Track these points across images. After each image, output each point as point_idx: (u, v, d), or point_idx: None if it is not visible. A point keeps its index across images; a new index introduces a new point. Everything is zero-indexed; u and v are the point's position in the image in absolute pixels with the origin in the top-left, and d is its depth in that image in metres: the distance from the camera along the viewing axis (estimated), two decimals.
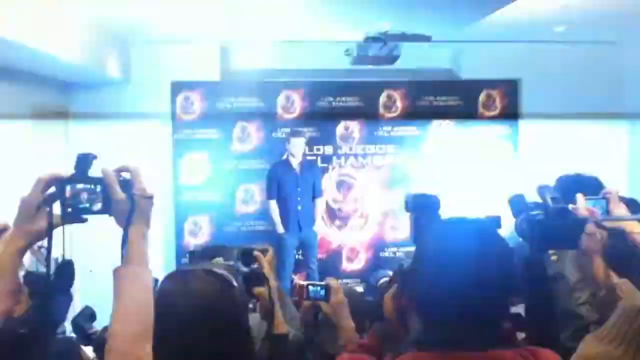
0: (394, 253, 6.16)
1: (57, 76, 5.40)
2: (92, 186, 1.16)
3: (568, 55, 6.43)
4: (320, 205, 5.96)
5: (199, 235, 6.05)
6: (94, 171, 1.18)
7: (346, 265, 6.27)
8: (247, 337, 1.35)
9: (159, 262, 5.49)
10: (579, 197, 1.44)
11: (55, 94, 5.70)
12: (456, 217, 1.24)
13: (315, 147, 6.17)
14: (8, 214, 1.22)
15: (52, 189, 1.16)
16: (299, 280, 1.97)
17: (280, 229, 5.67)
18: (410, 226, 1.79)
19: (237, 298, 1.31)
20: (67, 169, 1.18)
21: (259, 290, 1.88)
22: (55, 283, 1.29)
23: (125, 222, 1.14)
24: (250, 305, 1.83)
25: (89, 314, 1.88)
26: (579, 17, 5.23)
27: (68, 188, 1.15)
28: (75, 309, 1.97)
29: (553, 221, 1.31)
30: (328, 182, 6.23)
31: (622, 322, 1.13)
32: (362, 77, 6.25)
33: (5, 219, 1.27)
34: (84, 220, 1.19)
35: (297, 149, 5.69)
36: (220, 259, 1.90)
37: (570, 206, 1.34)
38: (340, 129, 6.25)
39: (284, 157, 5.83)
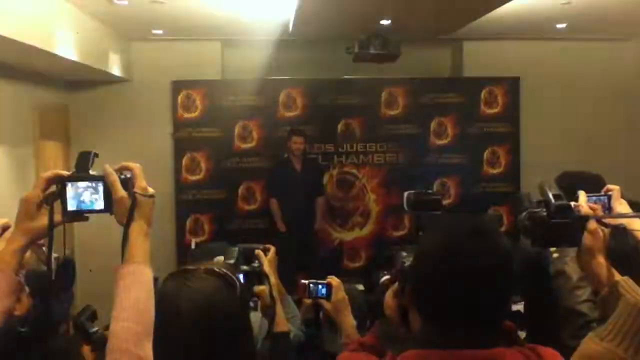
0: (395, 251, 6.16)
1: (58, 74, 5.41)
2: (93, 184, 1.16)
3: (569, 52, 6.42)
4: (321, 203, 5.96)
5: (200, 234, 6.05)
6: (95, 169, 1.18)
7: (347, 263, 6.28)
8: (248, 337, 1.35)
9: (160, 261, 5.48)
10: (581, 193, 1.43)
11: (56, 92, 5.70)
12: (457, 215, 1.24)
13: (316, 145, 6.17)
14: (10, 213, 1.22)
15: (53, 187, 1.16)
16: (299, 278, 1.98)
17: (281, 227, 5.67)
18: (411, 224, 1.78)
19: (238, 298, 1.30)
20: (68, 168, 1.18)
21: (259, 288, 1.88)
22: (56, 282, 1.29)
23: (126, 221, 1.14)
24: (251, 304, 1.83)
25: (89, 313, 1.88)
26: (580, 14, 5.21)
27: (69, 186, 1.15)
28: (76, 307, 1.98)
29: (555, 218, 1.30)
30: (329, 180, 6.24)
31: (624, 320, 1.13)
32: (363, 75, 6.25)
33: (7, 218, 1.27)
34: (85, 219, 1.19)
35: (297, 147, 5.69)
36: (221, 258, 1.90)
37: (573, 203, 1.34)
38: (341, 126, 6.25)
39: (285, 156, 5.83)
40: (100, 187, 1.15)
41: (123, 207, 1.14)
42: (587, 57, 6.44)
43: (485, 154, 6.41)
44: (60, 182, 1.15)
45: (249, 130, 6.13)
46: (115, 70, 5.56)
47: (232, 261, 1.88)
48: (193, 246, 5.52)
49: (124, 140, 5.81)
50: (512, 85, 6.40)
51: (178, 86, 6.04)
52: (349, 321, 1.91)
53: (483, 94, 6.38)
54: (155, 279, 1.16)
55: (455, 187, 6.37)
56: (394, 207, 6.09)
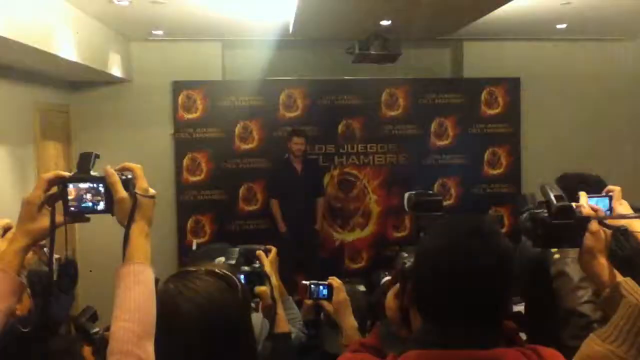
0: (396, 252, 6.15)
1: (58, 75, 5.41)
2: (95, 185, 1.16)
3: (570, 53, 6.43)
4: (321, 204, 5.96)
5: (201, 234, 6.05)
6: (96, 170, 1.19)
7: (348, 264, 6.27)
8: (250, 338, 1.35)
9: (161, 261, 5.48)
10: (582, 194, 1.43)
11: (57, 93, 5.70)
12: (458, 215, 1.24)
13: (317, 146, 6.17)
14: (11, 214, 1.23)
15: (55, 188, 1.16)
16: (300, 279, 1.98)
17: (282, 227, 5.67)
18: (412, 225, 1.78)
19: (240, 299, 1.30)
20: (69, 168, 1.18)
21: (260, 289, 1.88)
22: (58, 283, 1.29)
23: (127, 221, 1.14)
24: (252, 305, 1.83)
25: (90, 314, 1.88)
26: (580, 14, 5.22)
27: (70, 187, 1.15)
28: (77, 308, 1.98)
29: (556, 219, 1.30)
30: (330, 181, 6.24)
31: (626, 321, 1.13)
32: (364, 76, 6.25)
33: (9, 218, 1.28)
34: (87, 220, 1.19)
35: (298, 148, 5.69)
36: (222, 259, 1.90)
37: (574, 204, 1.34)
38: (341, 127, 6.25)
39: (285, 156, 5.82)
40: (101, 188, 1.16)
41: (124, 208, 1.14)
42: (587, 57, 6.44)
43: (486, 155, 6.41)
44: (62, 183, 1.15)
45: (249, 130, 6.13)
46: (116, 70, 5.57)
47: (232, 262, 1.88)
48: (194, 247, 5.52)
49: (124, 140, 5.81)
50: (512, 86, 6.40)
51: (178, 87, 6.05)
52: (350, 322, 1.91)
53: (483, 94, 6.38)
54: (156, 280, 1.16)
55: (456, 187, 6.37)
56: (395, 208, 6.09)
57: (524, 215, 1.34)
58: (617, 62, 6.46)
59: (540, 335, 1.98)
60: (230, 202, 6.09)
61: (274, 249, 2.04)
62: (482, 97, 6.37)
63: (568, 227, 1.31)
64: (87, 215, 1.18)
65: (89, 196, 1.16)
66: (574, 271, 1.84)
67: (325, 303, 1.95)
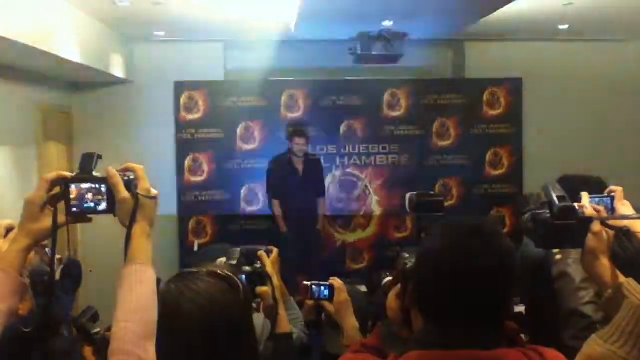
0: (397, 252, 6.15)
1: (60, 75, 5.42)
2: (97, 186, 1.16)
3: (572, 53, 6.42)
4: (323, 204, 5.96)
5: (203, 235, 6.06)
6: (98, 171, 1.19)
7: (349, 265, 6.27)
8: (251, 339, 1.35)
9: (163, 262, 5.49)
10: (584, 195, 1.43)
11: (59, 94, 5.71)
12: (459, 216, 1.24)
13: (318, 146, 6.17)
14: (13, 214, 1.23)
15: (57, 189, 1.16)
16: (301, 280, 1.98)
17: (283, 228, 5.67)
18: (413, 225, 1.78)
19: (241, 300, 1.30)
20: (71, 169, 1.18)
21: (262, 289, 1.88)
22: (60, 283, 1.29)
23: (129, 222, 1.14)
24: (254, 305, 1.83)
25: (91, 314, 1.88)
26: (582, 15, 5.21)
27: (73, 187, 1.15)
28: (78, 308, 1.98)
29: (558, 220, 1.30)
30: (332, 181, 6.23)
31: (628, 322, 1.12)
32: (366, 76, 6.25)
33: (11, 219, 1.28)
34: (89, 220, 1.19)
35: (299, 148, 5.69)
36: (223, 259, 1.90)
37: (577, 205, 1.34)
38: (343, 128, 6.25)
39: (285, 153, 5.81)
40: (104, 189, 1.16)
41: (126, 209, 1.15)
42: (589, 57, 6.43)
43: (488, 155, 6.40)
44: (64, 184, 1.16)
45: (251, 131, 6.14)
46: (118, 71, 5.57)
47: (234, 262, 1.88)
48: (196, 248, 5.52)
49: (126, 141, 5.82)
50: (514, 86, 6.39)
51: (180, 87, 6.05)
52: (351, 323, 1.91)
53: (485, 95, 6.37)
54: (158, 280, 1.17)
55: (458, 188, 6.36)
56: (396, 209, 6.08)
57: (526, 215, 1.34)
58: (619, 63, 6.45)
59: (541, 335, 1.97)
60: (231, 203, 6.09)
61: (275, 250, 2.03)
62: (484, 98, 6.37)
63: (570, 228, 1.31)
64: (89, 216, 1.18)
65: (91, 196, 1.16)
66: (576, 272, 1.83)
67: (326, 304, 1.94)
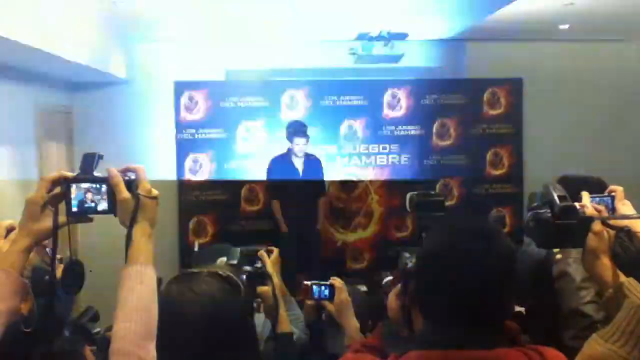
0: (398, 252, 6.15)
1: (61, 76, 5.42)
2: (98, 186, 1.16)
3: (572, 53, 6.42)
4: (323, 204, 5.96)
5: (203, 235, 6.06)
6: (99, 171, 1.19)
7: (350, 265, 6.27)
8: (252, 339, 1.35)
9: (163, 262, 5.49)
10: (585, 194, 1.43)
11: (59, 94, 5.72)
12: (460, 216, 1.24)
13: (319, 146, 6.17)
14: (14, 214, 1.23)
15: (58, 189, 1.16)
16: (302, 280, 1.99)
17: (283, 228, 5.67)
18: (414, 225, 1.78)
19: (242, 301, 1.30)
20: (71, 169, 1.19)
21: (262, 289, 1.88)
22: (63, 283, 1.29)
23: (130, 222, 1.14)
24: (254, 305, 1.83)
25: (91, 314, 1.88)
26: (583, 14, 5.21)
27: (73, 188, 1.15)
28: (78, 308, 1.98)
29: (559, 219, 1.30)
30: (332, 182, 6.23)
31: (628, 322, 1.12)
32: (366, 76, 6.25)
33: (11, 219, 1.28)
34: (90, 220, 1.19)
35: (300, 148, 5.69)
36: (224, 259, 1.91)
37: (577, 204, 1.34)
38: (344, 128, 6.25)
39: (285, 153, 5.81)
40: (104, 189, 1.16)
41: (127, 209, 1.15)
42: (589, 58, 6.43)
43: (488, 155, 6.40)
44: (65, 184, 1.16)
45: (251, 131, 6.14)
46: (118, 71, 5.57)
47: (234, 262, 1.88)
48: (196, 248, 5.53)
49: (126, 141, 5.81)
50: (515, 86, 6.39)
51: (180, 87, 6.05)
52: (351, 322, 1.92)
53: (486, 95, 6.37)
54: (159, 280, 1.17)
55: (458, 188, 6.36)
56: (397, 208, 6.09)
57: (528, 215, 1.34)
58: (619, 63, 6.45)
59: (542, 335, 1.97)
60: (232, 203, 6.10)
61: (276, 250, 2.04)
62: (485, 98, 6.37)
63: (571, 228, 1.31)
64: (90, 216, 1.18)
65: (91, 197, 1.16)
66: (576, 271, 1.84)
67: (327, 303, 1.95)
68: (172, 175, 6.00)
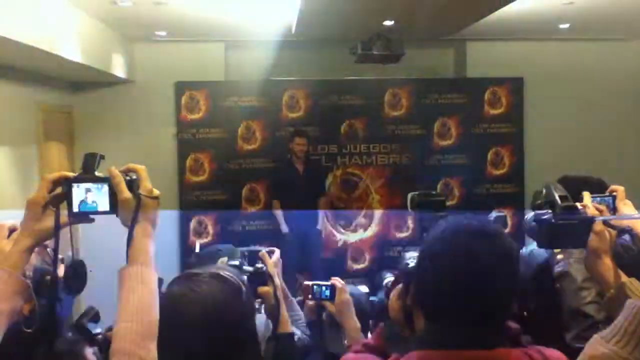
0: (399, 252, 6.16)
1: (61, 75, 5.42)
2: (99, 186, 1.16)
3: (573, 53, 6.42)
4: (323, 204, 5.96)
5: (204, 235, 6.06)
6: (100, 171, 1.19)
7: (351, 265, 6.27)
8: (254, 341, 1.35)
9: (164, 262, 5.49)
10: (586, 194, 1.43)
11: (60, 94, 5.72)
12: (461, 216, 1.24)
13: (319, 146, 6.17)
14: (16, 215, 1.23)
15: (59, 189, 1.16)
16: (302, 280, 1.99)
17: (284, 228, 5.67)
18: (415, 225, 1.78)
19: (244, 302, 1.30)
20: (72, 169, 1.18)
21: (264, 289, 1.88)
22: (65, 283, 1.29)
23: (131, 222, 1.14)
24: (255, 305, 1.83)
25: (92, 315, 1.88)
26: (583, 14, 5.21)
27: (75, 188, 1.15)
28: (79, 309, 1.98)
29: (561, 219, 1.30)
30: (333, 181, 6.23)
31: (630, 322, 1.12)
32: (367, 76, 6.25)
33: (12, 219, 1.28)
34: (91, 220, 1.19)
35: (300, 148, 5.69)
36: (225, 259, 1.90)
37: (579, 204, 1.34)
38: (344, 127, 6.25)
39: (285, 154, 5.82)
40: (106, 189, 1.16)
41: (128, 209, 1.15)
42: (590, 56, 6.43)
43: (489, 155, 6.40)
44: (66, 184, 1.16)
45: (252, 131, 6.14)
46: (119, 71, 5.58)
47: (235, 262, 1.88)
48: (197, 249, 5.53)
49: (127, 141, 5.82)
50: (515, 86, 6.39)
51: (181, 87, 6.05)
52: (352, 323, 1.91)
53: (486, 94, 6.37)
54: (160, 281, 1.17)
55: (459, 188, 6.36)
56: (398, 208, 6.08)
57: (529, 215, 1.34)
58: (620, 62, 6.45)
59: (543, 336, 1.97)
60: (233, 203, 6.10)
61: (277, 251, 2.03)
62: (485, 97, 6.37)
63: (573, 228, 1.31)
64: (91, 216, 1.18)
65: (93, 197, 1.16)
66: (577, 271, 1.84)
67: (327, 304, 1.95)
68: (172, 175, 6.00)
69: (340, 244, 6.29)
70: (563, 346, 1.56)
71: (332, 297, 1.94)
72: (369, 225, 6.32)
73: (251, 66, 6.16)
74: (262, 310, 1.89)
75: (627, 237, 1.47)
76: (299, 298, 2.19)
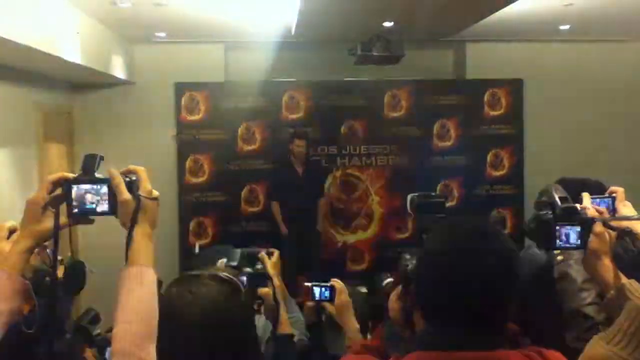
0: (399, 253, 6.14)
1: (61, 76, 5.42)
2: (98, 187, 1.16)
3: (573, 54, 6.42)
4: (322, 204, 5.96)
5: (204, 236, 6.06)
6: (100, 172, 1.19)
7: (350, 266, 6.27)
8: (254, 342, 1.35)
9: (163, 263, 5.49)
10: (585, 196, 1.43)
11: (60, 95, 5.72)
12: (460, 217, 1.24)
13: (319, 147, 6.17)
14: (14, 215, 1.23)
15: (59, 190, 1.16)
16: (302, 281, 1.99)
17: (283, 230, 5.67)
18: (415, 226, 1.78)
19: (244, 303, 1.30)
20: (72, 170, 1.19)
21: (263, 290, 1.88)
22: (65, 283, 1.29)
23: (130, 223, 1.14)
24: (255, 307, 1.83)
25: (92, 316, 1.88)
26: (583, 15, 5.21)
27: (74, 189, 1.15)
28: (79, 310, 1.98)
29: (561, 221, 1.30)
30: (332, 182, 6.23)
31: (630, 323, 1.12)
32: (366, 77, 6.25)
33: (12, 220, 1.28)
34: (90, 221, 1.19)
35: (299, 149, 5.69)
36: (224, 260, 1.90)
37: (578, 206, 1.34)
38: (344, 128, 6.25)
39: (285, 155, 5.82)
40: (105, 190, 1.16)
41: (127, 210, 1.15)
42: (590, 58, 6.43)
43: (489, 156, 6.40)
44: (66, 185, 1.16)
45: (252, 132, 6.14)
46: (119, 72, 5.58)
47: (235, 263, 1.88)
48: (197, 250, 5.53)
49: (127, 142, 5.82)
50: (515, 87, 6.39)
51: (181, 88, 6.05)
52: (352, 324, 1.92)
53: (486, 95, 6.37)
54: (160, 282, 1.16)
55: (459, 189, 6.36)
56: (397, 209, 6.08)
57: (529, 217, 1.34)
58: (620, 63, 6.45)
59: (543, 336, 1.97)
60: (232, 204, 6.10)
61: (277, 252, 2.03)
62: (485, 99, 6.37)
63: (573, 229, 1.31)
64: (91, 217, 1.18)
65: (92, 198, 1.16)
66: (577, 272, 1.84)
67: (327, 305, 1.95)
68: (172, 176, 6.00)
69: (339, 245, 6.29)
70: (563, 347, 1.56)
71: (331, 298, 1.94)
72: (369, 226, 6.32)
73: (251, 67, 6.16)
74: (262, 311, 1.89)
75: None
76: (299, 299, 2.19)
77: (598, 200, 1.64)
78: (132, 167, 1.19)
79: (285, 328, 1.87)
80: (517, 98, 6.40)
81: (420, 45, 6.07)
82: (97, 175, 1.17)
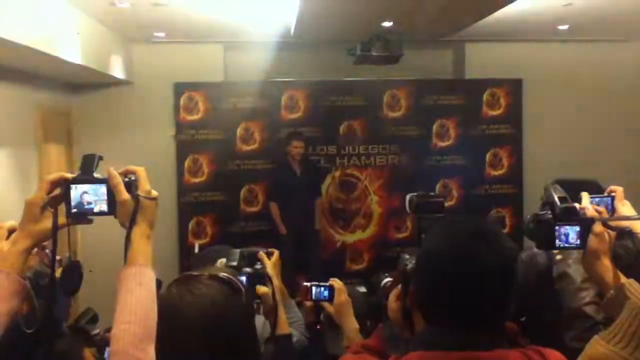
0: (398, 253, 6.14)
1: (60, 77, 5.42)
2: (97, 187, 1.16)
3: (572, 54, 6.42)
4: (320, 204, 5.96)
5: (202, 236, 6.05)
6: (99, 172, 1.19)
7: (349, 266, 6.27)
8: (253, 342, 1.35)
9: (162, 263, 5.49)
10: (584, 195, 1.43)
11: (59, 95, 5.71)
12: (459, 217, 1.24)
13: (318, 147, 6.17)
14: (14, 215, 1.23)
15: (58, 190, 1.16)
16: (301, 281, 1.99)
17: (282, 230, 5.67)
18: (414, 226, 1.77)
19: (243, 303, 1.30)
20: (71, 170, 1.18)
21: (262, 290, 1.88)
22: (62, 283, 1.29)
23: (129, 223, 1.14)
24: (254, 307, 1.82)
25: (90, 316, 1.87)
26: (582, 15, 5.21)
27: (73, 189, 1.15)
28: (77, 310, 1.98)
29: (560, 221, 1.30)
30: (331, 182, 6.23)
31: (630, 323, 1.12)
32: (366, 77, 6.25)
33: (11, 220, 1.28)
34: (89, 221, 1.19)
35: (297, 150, 5.70)
36: (223, 260, 1.90)
37: (578, 206, 1.34)
38: (343, 128, 6.25)
39: (283, 156, 5.82)
40: (104, 190, 1.16)
41: (126, 210, 1.14)
42: (589, 58, 6.44)
43: (488, 156, 6.40)
44: (65, 185, 1.15)
45: (251, 132, 6.14)
46: (118, 72, 5.57)
47: (234, 263, 1.87)
48: (196, 249, 5.53)
49: (126, 142, 5.82)
50: (514, 87, 6.40)
51: (180, 88, 6.05)
52: (351, 324, 1.91)
53: (485, 95, 6.38)
54: (158, 282, 1.16)
55: (458, 189, 6.36)
56: (396, 209, 6.09)
57: (529, 217, 1.34)
58: (619, 63, 6.46)
59: (543, 336, 1.97)
60: (231, 204, 6.09)
61: (276, 252, 2.03)
62: (484, 99, 6.37)
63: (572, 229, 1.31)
64: (89, 217, 1.18)
65: (91, 198, 1.16)
66: (576, 272, 1.83)
67: (326, 305, 1.94)
68: (171, 176, 6.00)
69: (338, 244, 6.29)
70: (562, 347, 1.55)
71: (330, 298, 1.94)
72: (368, 226, 6.32)
73: (250, 67, 6.16)
74: (261, 312, 1.88)
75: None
76: (298, 299, 2.18)
77: (597, 199, 1.65)
78: (130, 167, 1.19)
79: (283, 328, 1.86)
80: (516, 98, 6.40)
81: (419, 45, 6.07)
82: (95, 175, 1.17)
